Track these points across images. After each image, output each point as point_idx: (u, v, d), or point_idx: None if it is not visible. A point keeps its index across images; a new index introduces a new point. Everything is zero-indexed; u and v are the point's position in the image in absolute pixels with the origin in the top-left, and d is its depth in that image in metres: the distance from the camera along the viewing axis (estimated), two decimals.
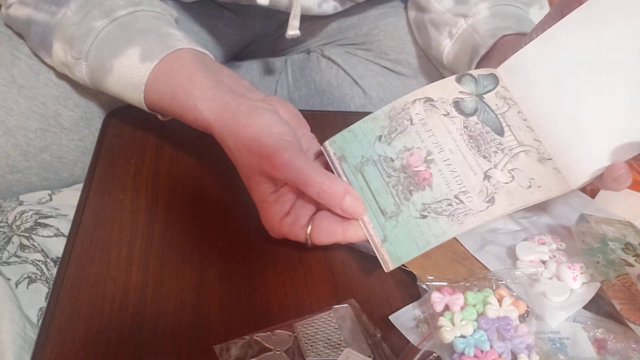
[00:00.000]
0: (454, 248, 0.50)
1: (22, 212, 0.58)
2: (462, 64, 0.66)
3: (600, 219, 0.49)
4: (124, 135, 0.61)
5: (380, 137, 0.47)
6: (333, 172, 0.47)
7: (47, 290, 0.52)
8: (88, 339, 0.41)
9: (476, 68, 0.63)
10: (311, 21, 0.81)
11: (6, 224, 0.57)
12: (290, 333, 0.42)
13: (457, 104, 0.47)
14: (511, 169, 0.45)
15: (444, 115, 0.46)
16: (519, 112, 0.48)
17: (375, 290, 0.47)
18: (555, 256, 0.48)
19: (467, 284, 0.44)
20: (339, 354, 0.40)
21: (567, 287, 0.45)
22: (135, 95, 0.53)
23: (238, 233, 0.51)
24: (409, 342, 0.42)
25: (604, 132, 0.46)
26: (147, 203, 0.53)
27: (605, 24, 0.45)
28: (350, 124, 0.48)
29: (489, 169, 0.44)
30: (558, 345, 0.42)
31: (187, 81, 0.49)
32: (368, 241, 0.45)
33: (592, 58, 0.46)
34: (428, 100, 0.47)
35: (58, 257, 0.55)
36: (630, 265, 0.44)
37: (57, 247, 0.55)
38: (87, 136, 0.63)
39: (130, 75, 0.52)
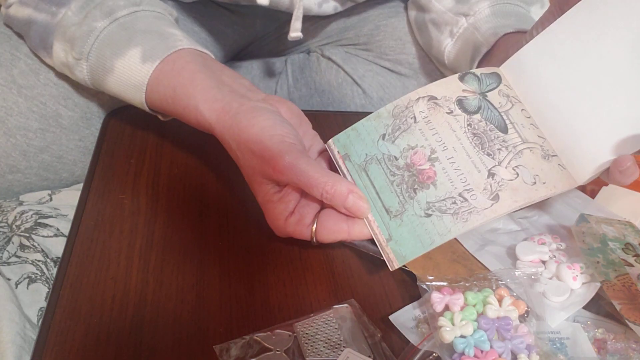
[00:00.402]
0: (454, 248, 0.50)
1: (22, 212, 0.58)
2: (463, 63, 0.66)
3: (600, 219, 0.49)
4: (124, 136, 0.61)
5: (384, 135, 0.47)
6: (337, 170, 0.47)
7: (47, 290, 0.52)
8: (88, 338, 0.41)
9: (478, 67, 0.63)
10: (311, 21, 0.81)
11: (6, 224, 0.57)
12: (290, 333, 0.42)
13: (460, 102, 0.47)
14: (515, 166, 0.45)
15: (448, 113, 0.46)
16: (522, 109, 0.48)
17: (375, 290, 0.47)
18: (555, 256, 0.48)
19: (467, 284, 0.44)
20: (339, 354, 0.40)
21: (567, 287, 0.45)
22: (136, 96, 0.53)
23: (238, 233, 0.51)
24: (409, 342, 0.42)
25: (608, 126, 0.46)
26: (147, 203, 0.53)
27: (605, 19, 0.45)
28: (351, 124, 0.48)
29: (493, 166, 0.44)
30: (558, 345, 0.42)
31: (188, 82, 0.49)
32: (372, 240, 0.45)
33: (594, 53, 0.46)
34: (431, 98, 0.47)
35: (58, 257, 0.55)
36: (630, 265, 0.44)
37: (57, 247, 0.55)
38: (87, 136, 0.63)
39: (132, 76, 0.52)
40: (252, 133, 0.45)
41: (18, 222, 0.57)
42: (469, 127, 0.46)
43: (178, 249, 0.49)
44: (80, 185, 0.56)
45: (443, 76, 0.63)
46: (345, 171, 0.47)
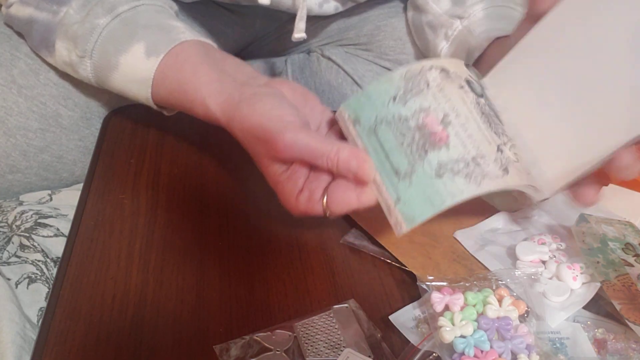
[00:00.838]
0: (454, 248, 0.50)
1: (22, 212, 0.58)
2: None
3: (600, 219, 0.49)
4: (124, 135, 0.61)
5: (394, 97, 0.45)
6: (347, 139, 0.46)
7: (47, 290, 0.52)
8: (88, 338, 0.41)
9: None
10: (312, 21, 0.81)
11: (6, 224, 0.57)
12: (290, 333, 0.42)
13: (468, 83, 0.46)
14: (515, 152, 0.44)
15: (459, 87, 0.45)
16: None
17: (375, 290, 0.47)
18: (555, 256, 0.48)
19: (467, 284, 0.44)
20: (339, 354, 0.40)
21: (567, 287, 0.45)
22: (142, 92, 0.53)
23: (238, 233, 0.51)
24: (409, 342, 0.42)
25: (577, 140, 0.46)
26: (147, 203, 0.53)
27: (577, 27, 0.45)
28: None
29: (500, 144, 0.44)
30: (558, 345, 0.42)
31: (192, 75, 0.49)
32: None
33: (561, 64, 0.46)
34: (444, 70, 0.46)
35: (58, 257, 0.55)
36: (630, 265, 0.44)
37: (57, 247, 0.55)
38: (87, 136, 0.63)
39: (137, 71, 0.52)
40: (253, 119, 0.45)
41: (18, 222, 0.57)
42: (477, 105, 0.45)
43: (178, 249, 0.49)
44: (80, 185, 0.56)
45: None
46: (355, 135, 0.46)
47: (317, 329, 0.42)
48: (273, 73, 0.84)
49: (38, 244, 0.55)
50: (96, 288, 0.44)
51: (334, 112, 0.48)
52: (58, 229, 0.57)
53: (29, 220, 0.57)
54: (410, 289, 0.47)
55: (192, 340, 0.41)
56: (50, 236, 0.56)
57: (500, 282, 0.44)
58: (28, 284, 0.52)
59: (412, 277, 0.47)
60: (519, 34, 0.50)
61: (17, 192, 0.62)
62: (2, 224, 0.57)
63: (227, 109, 0.47)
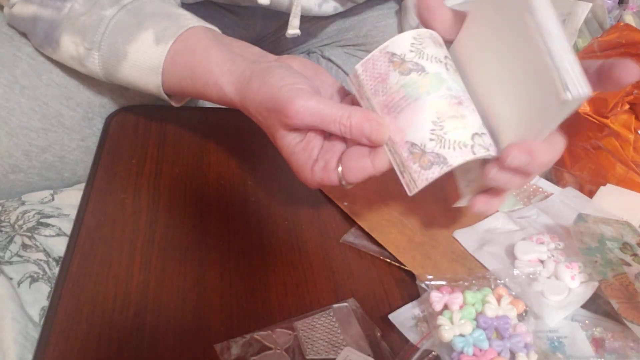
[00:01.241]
0: (453, 248, 0.50)
1: (25, 212, 0.58)
2: None
3: (598, 218, 0.49)
4: (125, 135, 0.61)
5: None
6: (360, 105, 0.45)
7: (49, 289, 0.52)
8: (90, 337, 0.41)
9: None
10: (311, 22, 0.82)
11: (8, 224, 0.57)
12: (290, 332, 0.42)
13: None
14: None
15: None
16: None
17: (375, 289, 0.47)
18: (553, 255, 0.48)
19: (466, 283, 0.44)
20: (339, 353, 0.40)
21: (565, 287, 0.45)
22: (152, 80, 0.53)
23: (239, 233, 0.51)
24: (409, 340, 0.42)
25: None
26: (148, 203, 0.53)
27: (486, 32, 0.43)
28: None
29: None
30: (556, 344, 0.42)
31: (203, 58, 0.50)
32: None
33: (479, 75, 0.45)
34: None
35: (60, 257, 0.55)
36: (628, 264, 0.44)
37: (59, 246, 0.56)
38: (89, 136, 0.63)
39: (147, 59, 0.52)
40: (264, 91, 0.45)
41: (20, 222, 0.57)
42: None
43: (179, 249, 0.49)
44: (82, 185, 0.56)
45: None
46: (368, 97, 0.45)
47: (317, 328, 0.42)
48: None
49: (40, 244, 0.55)
50: (98, 287, 0.45)
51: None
52: (60, 229, 0.57)
53: (31, 219, 0.57)
54: (409, 288, 0.47)
55: (193, 339, 0.42)
56: (52, 236, 0.56)
57: (499, 281, 0.45)
58: (30, 283, 0.52)
59: (412, 276, 0.47)
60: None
61: (20, 192, 0.63)
62: (5, 224, 0.57)
63: (239, 87, 0.47)
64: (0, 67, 0.59)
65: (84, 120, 0.63)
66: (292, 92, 0.43)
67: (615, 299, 0.42)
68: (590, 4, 0.85)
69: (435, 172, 0.40)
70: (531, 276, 0.46)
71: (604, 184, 0.57)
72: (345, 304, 0.45)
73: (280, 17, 0.80)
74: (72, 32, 0.55)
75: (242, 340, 0.41)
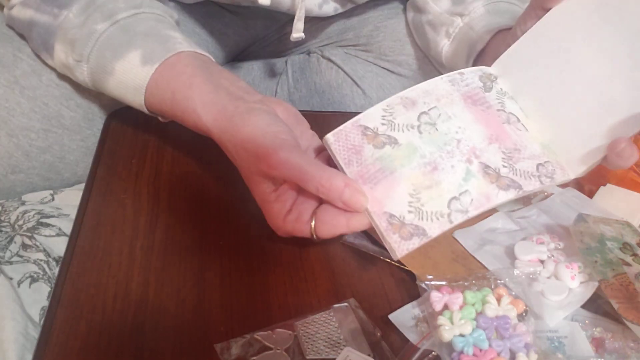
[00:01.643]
0: (453, 248, 0.50)
1: (25, 212, 0.58)
2: (460, 63, 0.67)
3: (598, 218, 0.49)
4: (125, 136, 0.61)
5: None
6: (336, 167, 0.47)
7: (49, 289, 0.52)
8: (89, 337, 0.41)
9: (473, 64, 0.64)
10: (312, 22, 0.82)
11: (8, 224, 0.57)
12: (290, 332, 0.42)
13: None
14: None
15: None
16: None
17: (375, 289, 0.47)
18: (553, 255, 0.48)
19: (466, 283, 0.44)
20: (339, 353, 0.40)
21: (565, 287, 0.45)
22: (136, 98, 0.53)
23: (239, 233, 0.51)
24: (409, 341, 0.42)
25: (596, 117, 0.47)
26: (148, 203, 0.53)
27: (590, 13, 0.46)
28: None
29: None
30: (556, 344, 0.42)
31: (186, 86, 0.50)
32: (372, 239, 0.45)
33: (579, 48, 0.47)
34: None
35: (60, 257, 0.55)
36: (628, 264, 0.44)
37: (59, 246, 0.56)
38: (89, 136, 0.64)
39: (131, 78, 0.52)
40: (246, 132, 0.45)
41: (20, 222, 0.57)
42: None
43: (179, 249, 0.49)
44: (82, 185, 0.56)
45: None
46: (342, 167, 0.46)
47: (317, 327, 0.42)
48: (274, 74, 0.84)
49: (40, 244, 0.55)
50: (98, 287, 0.45)
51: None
52: (60, 229, 0.57)
53: (31, 220, 0.57)
54: (409, 288, 0.47)
55: (193, 339, 0.42)
56: (52, 236, 0.57)
57: (499, 281, 0.45)
58: (30, 283, 0.52)
59: (412, 276, 0.47)
60: (524, 23, 0.50)
61: (20, 192, 0.63)
62: (5, 224, 0.57)
63: (220, 121, 0.47)
64: (0, 68, 0.59)
65: (84, 120, 0.63)
66: (276, 141, 0.44)
67: (615, 299, 0.42)
68: None
69: (415, 243, 0.43)
70: (531, 276, 0.46)
71: (604, 184, 0.57)
72: (346, 304, 0.45)
73: (282, 17, 0.80)
74: (63, 42, 0.55)
75: (242, 340, 0.41)
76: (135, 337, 0.41)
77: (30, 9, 0.57)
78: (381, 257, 0.49)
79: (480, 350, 0.39)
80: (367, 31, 0.81)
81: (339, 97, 0.80)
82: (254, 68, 0.84)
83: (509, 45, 0.50)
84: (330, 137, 0.47)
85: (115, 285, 0.45)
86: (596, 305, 0.45)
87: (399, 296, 0.47)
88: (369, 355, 0.40)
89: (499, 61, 0.50)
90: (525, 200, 0.57)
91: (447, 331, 0.40)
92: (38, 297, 0.51)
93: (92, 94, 0.63)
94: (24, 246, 0.55)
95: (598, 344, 0.42)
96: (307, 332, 0.42)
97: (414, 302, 0.45)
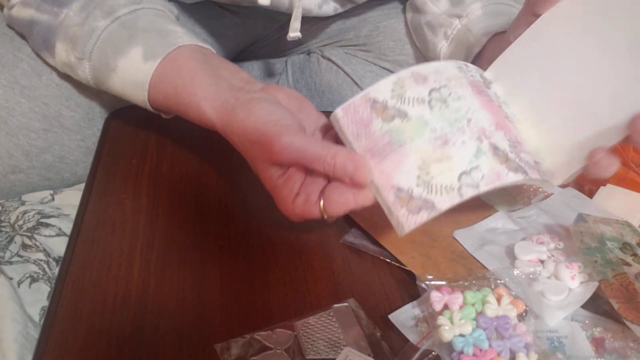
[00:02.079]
0: (453, 247, 0.50)
1: (25, 212, 0.58)
2: None
3: (598, 218, 0.49)
4: (125, 136, 0.61)
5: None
6: (343, 144, 0.46)
7: (49, 289, 0.52)
8: (89, 337, 0.41)
9: None
10: (311, 22, 0.82)
11: (8, 224, 0.57)
12: (290, 332, 0.42)
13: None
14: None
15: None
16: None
17: (375, 289, 0.47)
18: (553, 255, 0.48)
19: (466, 283, 0.44)
20: (339, 353, 0.40)
21: (565, 287, 0.45)
22: (139, 95, 0.53)
23: (239, 233, 0.51)
24: (409, 341, 0.42)
25: (581, 125, 0.47)
26: (148, 203, 0.53)
27: (581, 21, 0.47)
28: None
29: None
30: (556, 344, 0.42)
31: (188, 80, 0.50)
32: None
33: (566, 57, 0.48)
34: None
35: (60, 257, 0.55)
36: (628, 264, 0.44)
37: (59, 246, 0.56)
38: (89, 136, 0.64)
39: (134, 74, 0.52)
40: (249, 123, 0.45)
41: (20, 222, 0.57)
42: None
43: (179, 249, 0.49)
44: (82, 185, 0.56)
45: None
46: (349, 141, 0.46)
47: (317, 328, 0.42)
48: (273, 74, 0.84)
49: (40, 244, 0.55)
50: (98, 287, 0.45)
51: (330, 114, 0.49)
52: (60, 229, 0.57)
53: (31, 220, 0.57)
54: (409, 288, 0.47)
55: (193, 339, 0.42)
56: (52, 236, 0.57)
57: (499, 281, 0.45)
58: (30, 283, 0.52)
59: (412, 276, 0.47)
60: (516, 29, 0.51)
61: (20, 192, 0.63)
62: (5, 224, 0.57)
63: (222, 113, 0.48)
64: (0, 68, 0.59)
65: (84, 120, 0.63)
66: (278, 127, 0.44)
67: (615, 299, 0.42)
68: None
69: (423, 217, 0.42)
70: (531, 276, 0.46)
71: (604, 184, 0.57)
72: (345, 304, 0.45)
73: (281, 17, 0.80)
74: (64, 40, 0.55)
75: (242, 340, 0.41)
76: (134, 337, 0.41)
77: (31, 8, 0.57)
78: (381, 257, 0.49)
79: (480, 350, 0.39)
80: (367, 31, 0.81)
81: (339, 97, 0.80)
82: (254, 68, 0.84)
83: (504, 50, 0.50)
84: (339, 111, 0.46)
85: (115, 285, 0.45)
86: (596, 305, 0.45)
87: (399, 296, 0.47)
88: (369, 355, 0.40)
89: (493, 66, 0.51)
90: (525, 200, 0.57)
91: (447, 331, 0.40)
92: (38, 297, 0.51)
93: (92, 93, 0.63)
94: (24, 246, 0.55)
95: (598, 344, 0.42)
96: (307, 332, 0.42)
97: (414, 302, 0.45)
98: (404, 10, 0.80)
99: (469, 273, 0.47)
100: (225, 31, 0.80)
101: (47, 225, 0.57)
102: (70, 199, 0.62)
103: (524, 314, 0.42)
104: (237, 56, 0.87)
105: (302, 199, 0.45)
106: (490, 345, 0.39)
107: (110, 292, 0.44)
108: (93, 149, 0.61)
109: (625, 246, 0.46)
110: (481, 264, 0.48)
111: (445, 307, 0.42)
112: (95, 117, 0.64)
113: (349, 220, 0.53)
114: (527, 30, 0.49)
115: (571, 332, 0.43)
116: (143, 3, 0.55)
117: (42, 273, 0.53)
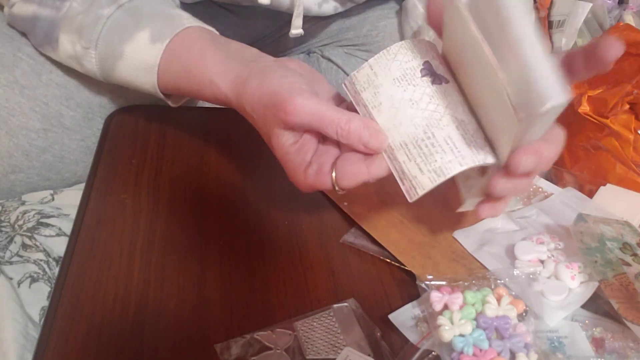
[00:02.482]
0: (453, 248, 0.50)
1: (25, 212, 0.58)
2: None
3: (598, 218, 0.49)
4: (125, 135, 0.61)
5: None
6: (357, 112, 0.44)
7: (49, 289, 0.52)
8: (90, 337, 0.41)
9: None
10: (311, 22, 0.82)
11: (8, 224, 0.57)
12: (290, 332, 0.42)
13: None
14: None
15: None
16: None
17: (375, 289, 0.47)
18: (553, 255, 0.48)
19: (466, 283, 0.44)
20: (339, 353, 0.40)
21: (565, 287, 0.45)
22: (148, 79, 0.53)
23: (239, 233, 0.51)
24: (409, 340, 0.42)
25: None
26: (148, 203, 0.53)
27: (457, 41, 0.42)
28: None
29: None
30: (556, 344, 0.42)
31: (199, 58, 0.50)
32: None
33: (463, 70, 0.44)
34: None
35: (60, 257, 0.55)
36: (628, 264, 0.44)
37: (59, 246, 0.56)
38: (89, 136, 0.64)
39: (142, 58, 0.52)
40: (263, 88, 0.44)
41: (20, 222, 0.57)
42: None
43: (179, 249, 0.49)
44: (82, 185, 0.56)
45: None
46: (365, 105, 0.44)
47: (317, 328, 0.42)
48: None
49: (40, 244, 0.55)
50: (98, 287, 0.45)
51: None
52: (60, 229, 0.57)
53: (31, 219, 0.57)
54: (409, 288, 0.47)
55: (193, 339, 0.42)
56: (52, 236, 0.57)
57: (499, 281, 0.45)
58: (30, 283, 0.52)
59: (412, 276, 0.47)
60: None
61: (20, 192, 0.63)
62: (5, 224, 0.57)
63: (236, 86, 0.47)
64: (0, 67, 0.59)
65: (84, 120, 0.63)
66: (293, 89, 0.43)
67: (615, 299, 0.42)
68: (590, 4, 0.85)
69: (435, 180, 0.40)
70: (531, 276, 0.46)
71: (604, 184, 0.57)
72: (345, 304, 0.45)
73: (281, 17, 0.80)
74: (69, 31, 0.55)
75: (242, 340, 0.41)
76: (135, 337, 0.41)
77: (33, 4, 0.57)
78: (381, 257, 0.50)
79: (480, 350, 0.39)
80: (367, 31, 0.81)
81: None
82: None
83: None
84: (356, 74, 0.45)
85: (115, 285, 0.45)
86: (596, 305, 0.45)
87: (399, 296, 0.47)
88: (368, 355, 0.40)
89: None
90: (525, 200, 0.57)
91: (447, 331, 0.40)
92: (38, 297, 0.51)
93: (93, 93, 0.63)
94: (24, 246, 0.55)
95: (598, 344, 0.43)
96: (307, 332, 0.42)
97: (414, 302, 0.45)
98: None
99: (469, 273, 0.47)
100: (225, 31, 0.80)
101: (47, 225, 0.57)
102: (70, 199, 0.62)
103: (524, 314, 0.42)
104: None
105: (314, 169, 0.44)
106: (490, 345, 0.39)
107: (110, 291, 0.44)
108: (93, 148, 0.61)
109: (625, 246, 0.46)
110: (481, 264, 0.48)
111: (445, 307, 0.42)
112: (95, 116, 0.64)
113: (349, 220, 0.53)
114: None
115: (571, 332, 0.43)
116: None
117: (42, 273, 0.53)
